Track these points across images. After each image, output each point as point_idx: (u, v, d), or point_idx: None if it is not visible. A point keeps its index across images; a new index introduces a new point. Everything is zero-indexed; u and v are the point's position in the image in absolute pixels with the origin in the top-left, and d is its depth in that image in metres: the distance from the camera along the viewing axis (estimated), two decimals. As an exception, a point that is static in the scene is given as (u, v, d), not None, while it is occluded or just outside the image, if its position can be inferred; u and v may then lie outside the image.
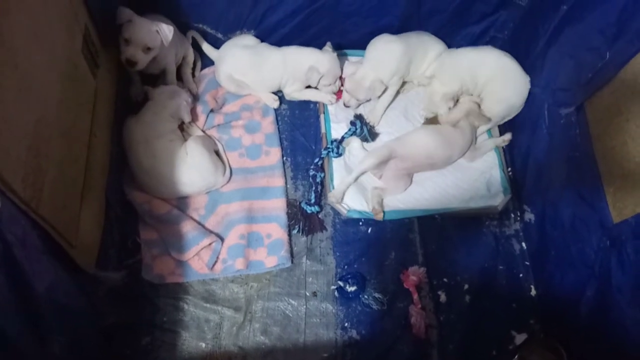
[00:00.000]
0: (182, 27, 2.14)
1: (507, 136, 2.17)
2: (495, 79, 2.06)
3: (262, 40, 2.24)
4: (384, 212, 1.98)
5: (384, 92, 2.15)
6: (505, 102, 2.08)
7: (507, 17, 2.21)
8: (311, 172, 2.07)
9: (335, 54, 2.15)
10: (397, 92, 2.22)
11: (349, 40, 2.28)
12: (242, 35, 2.23)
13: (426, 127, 2.09)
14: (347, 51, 2.33)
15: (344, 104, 2.18)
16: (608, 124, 1.64)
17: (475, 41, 2.35)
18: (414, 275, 1.91)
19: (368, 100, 2.21)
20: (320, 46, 2.19)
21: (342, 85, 2.20)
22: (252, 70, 2.13)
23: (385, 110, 2.21)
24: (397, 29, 2.19)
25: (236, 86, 2.18)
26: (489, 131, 2.21)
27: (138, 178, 1.89)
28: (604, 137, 1.66)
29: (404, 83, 2.23)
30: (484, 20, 2.25)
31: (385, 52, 2.10)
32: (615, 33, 1.58)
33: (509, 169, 2.20)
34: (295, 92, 2.21)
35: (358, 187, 2.05)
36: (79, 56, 1.59)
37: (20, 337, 1.09)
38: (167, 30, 1.89)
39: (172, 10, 2.07)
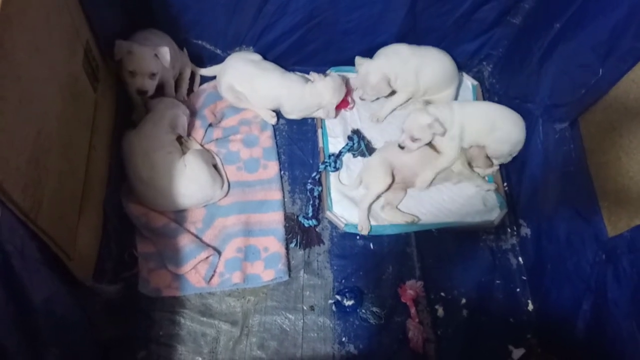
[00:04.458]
0: (181, 44, 2.17)
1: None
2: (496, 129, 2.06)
3: (262, 56, 2.26)
4: (371, 227, 2.01)
5: (392, 94, 2.19)
6: (508, 142, 2.07)
7: (502, 35, 2.25)
8: (309, 186, 2.09)
9: (333, 78, 2.15)
10: (407, 100, 2.24)
11: (346, 56, 2.30)
12: (248, 51, 2.26)
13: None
14: (344, 67, 2.35)
15: (360, 98, 2.23)
16: (602, 139, 1.67)
17: (470, 58, 2.40)
18: (411, 289, 1.91)
19: (378, 98, 2.23)
20: (318, 62, 2.22)
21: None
22: (251, 83, 2.15)
23: (393, 110, 2.24)
24: (393, 47, 2.23)
25: (235, 97, 2.19)
26: (490, 177, 2.20)
27: (136, 190, 1.89)
28: (598, 152, 1.68)
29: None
30: (479, 38, 2.29)
31: (392, 51, 2.16)
32: (608, 50, 1.61)
33: (505, 183, 2.21)
34: (293, 116, 2.24)
35: (355, 201, 2.06)
36: (80, 70, 1.61)
37: (17, 349, 1.08)
38: (164, 53, 1.93)
39: (172, 26, 2.10)
